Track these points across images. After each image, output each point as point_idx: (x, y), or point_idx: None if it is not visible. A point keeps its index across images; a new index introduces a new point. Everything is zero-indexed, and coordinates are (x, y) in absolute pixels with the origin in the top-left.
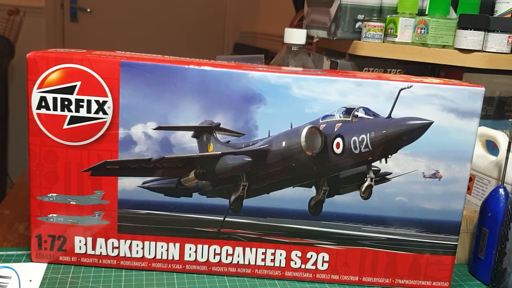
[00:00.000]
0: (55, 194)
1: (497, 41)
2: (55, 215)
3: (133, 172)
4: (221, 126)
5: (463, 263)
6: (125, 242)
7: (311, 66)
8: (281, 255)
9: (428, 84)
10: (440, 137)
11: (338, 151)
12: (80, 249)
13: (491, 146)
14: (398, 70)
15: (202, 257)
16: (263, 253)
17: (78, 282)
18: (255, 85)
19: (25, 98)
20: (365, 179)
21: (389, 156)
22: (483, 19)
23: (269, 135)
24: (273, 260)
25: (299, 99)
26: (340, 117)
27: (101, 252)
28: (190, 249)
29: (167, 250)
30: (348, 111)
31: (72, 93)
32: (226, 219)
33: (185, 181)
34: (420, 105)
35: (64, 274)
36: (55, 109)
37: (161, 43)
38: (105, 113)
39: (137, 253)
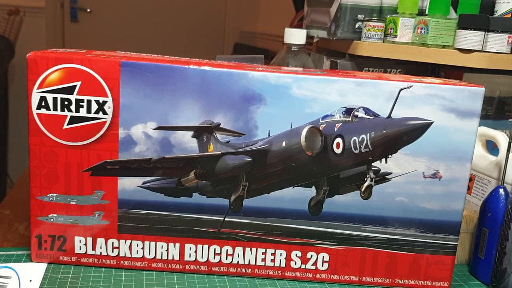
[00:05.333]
0: (55, 194)
1: (497, 41)
2: (55, 215)
3: (133, 172)
4: (221, 126)
5: (463, 263)
6: (125, 242)
7: (311, 66)
8: (281, 255)
9: (428, 84)
10: (440, 137)
11: (338, 151)
12: (80, 249)
13: (491, 146)
14: (398, 70)
15: (202, 257)
16: (263, 253)
17: (78, 282)
18: (255, 85)
19: (25, 98)
20: (365, 179)
21: (389, 156)
22: (483, 19)
23: (269, 135)
24: (273, 260)
25: (299, 99)
26: (340, 117)
27: (101, 252)
28: (190, 249)
29: (167, 250)
30: (348, 111)
31: (72, 93)
32: (226, 219)
33: (185, 181)
34: (420, 105)
35: (64, 274)
36: (55, 109)
37: (161, 43)
38: (105, 113)
39: (137, 253)
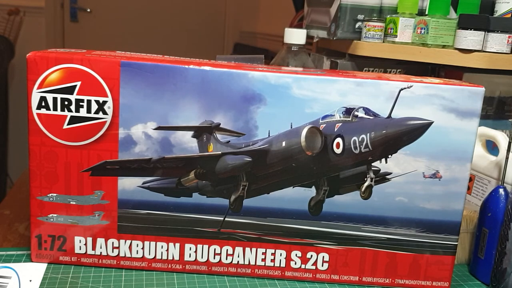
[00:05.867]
0: (55, 194)
1: (497, 41)
2: (55, 215)
3: (133, 172)
4: (221, 126)
5: (463, 263)
6: (125, 242)
7: (311, 66)
8: (281, 255)
9: (428, 84)
10: (440, 137)
11: (338, 151)
12: (80, 249)
13: (491, 146)
14: (398, 70)
15: (202, 257)
16: (263, 253)
17: (78, 282)
18: (255, 85)
19: (25, 98)
20: (365, 179)
21: (389, 156)
22: (483, 19)
23: (269, 135)
24: (273, 260)
25: (299, 99)
26: (340, 117)
27: (101, 252)
28: (190, 249)
29: (167, 250)
30: (348, 111)
31: (72, 93)
32: (226, 219)
33: (185, 181)
34: (420, 105)
35: (64, 274)
36: (55, 109)
37: (161, 43)
38: (105, 113)
39: (137, 253)
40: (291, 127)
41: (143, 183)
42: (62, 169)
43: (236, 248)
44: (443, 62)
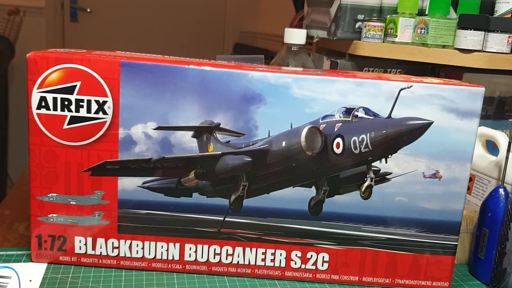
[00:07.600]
0: (55, 194)
1: (497, 41)
2: (55, 215)
3: (133, 172)
4: (221, 126)
5: (463, 263)
6: (125, 242)
7: (311, 66)
8: (281, 255)
9: (428, 84)
10: (440, 137)
11: (338, 151)
12: (80, 249)
13: (491, 146)
14: (398, 70)
15: (202, 257)
16: (263, 253)
17: (78, 282)
18: (255, 85)
19: (25, 98)
20: (365, 179)
21: (389, 156)
22: (483, 19)
23: (269, 135)
24: (273, 260)
25: (299, 99)
26: (340, 117)
27: (101, 252)
28: (190, 249)
29: (167, 250)
30: (348, 111)
31: (72, 93)
32: (226, 219)
33: (185, 181)
34: (420, 105)
35: (64, 274)
36: (55, 109)
37: (161, 43)
38: (105, 113)
39: (137, 253)
40: (291, 127)
41: (143, 183)
42: (62, 169)
43: (236, 248)
44: (443, 62)
